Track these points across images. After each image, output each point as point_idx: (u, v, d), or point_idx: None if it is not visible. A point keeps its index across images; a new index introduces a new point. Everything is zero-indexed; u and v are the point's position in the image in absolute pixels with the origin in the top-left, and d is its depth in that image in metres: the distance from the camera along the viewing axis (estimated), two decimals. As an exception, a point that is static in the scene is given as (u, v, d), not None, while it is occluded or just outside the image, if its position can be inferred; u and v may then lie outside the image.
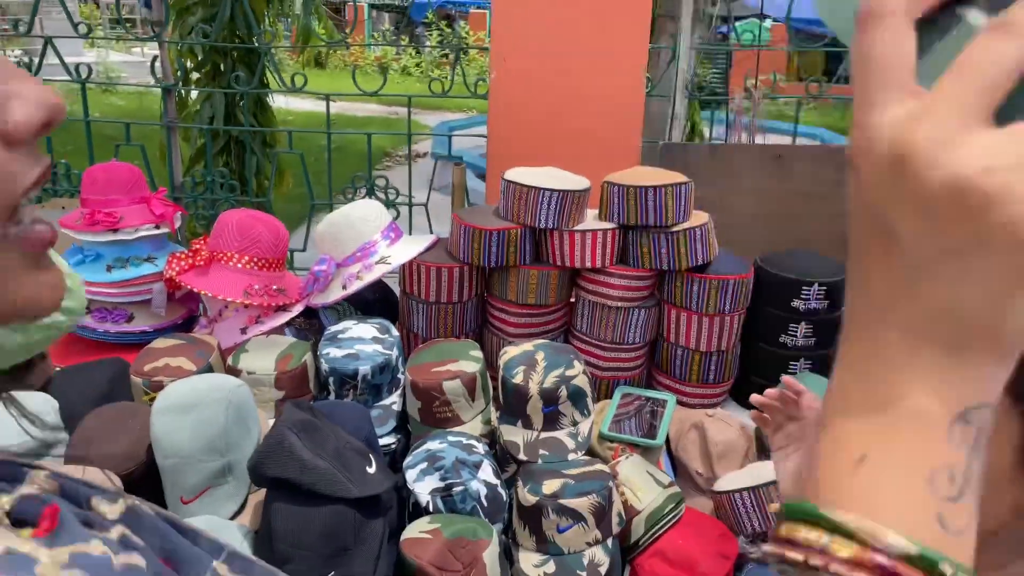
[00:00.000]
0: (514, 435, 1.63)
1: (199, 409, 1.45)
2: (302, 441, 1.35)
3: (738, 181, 2.34)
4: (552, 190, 1.85)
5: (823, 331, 1.91)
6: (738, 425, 1.81)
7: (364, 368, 1.70)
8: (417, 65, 14.61)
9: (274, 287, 1.93)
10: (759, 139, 2.70)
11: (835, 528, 0.35)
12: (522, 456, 1.60)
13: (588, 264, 1.89)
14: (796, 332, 1.90)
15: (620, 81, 2.31)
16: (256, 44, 2.76)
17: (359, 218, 1.91)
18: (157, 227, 2.01)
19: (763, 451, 1.79)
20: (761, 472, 1.61)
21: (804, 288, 1.86)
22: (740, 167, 2.34)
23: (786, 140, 2.60)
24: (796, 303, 1.87)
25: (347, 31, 3.70)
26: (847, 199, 0.39)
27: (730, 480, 1.64)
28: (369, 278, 1.85)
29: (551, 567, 1.44)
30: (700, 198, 2.36)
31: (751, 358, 1.99)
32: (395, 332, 1.84)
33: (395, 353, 1.77)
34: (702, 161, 2.34)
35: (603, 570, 1.44)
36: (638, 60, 2.30)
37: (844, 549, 0.34)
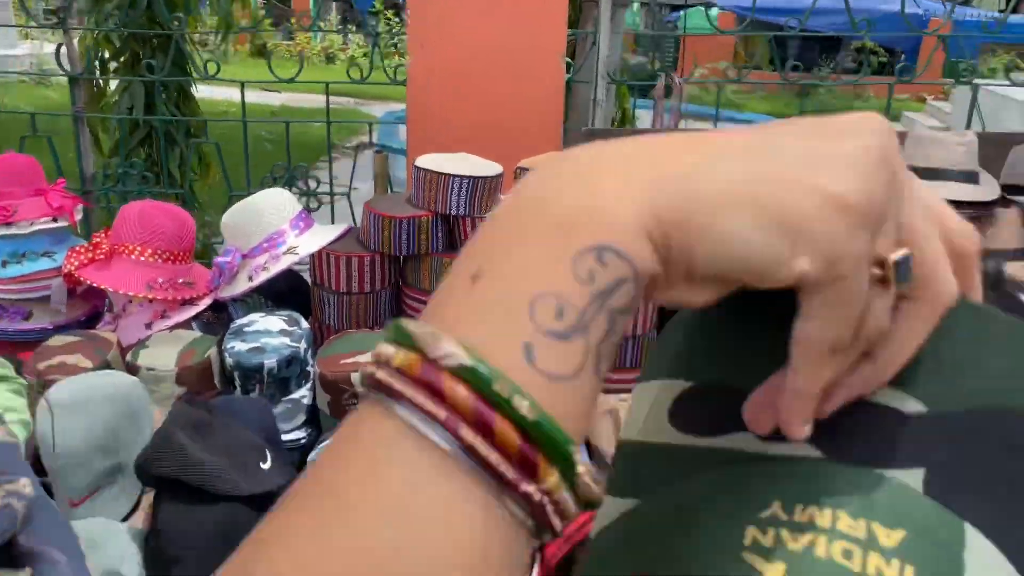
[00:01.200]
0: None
1: (89, 407, 1.40)
2: (191, 438, 1.30)
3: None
4: (463, 176, 1.82)
5: (737, 314, 1.92)
6: (653, 410, 1.82)
7: (270, 362, 1.66)
8: (365, 55, 14.44)
9: (180, 280, 1.87)
10: (683, 124, 2.71)
11: (405, 339, 0.28)
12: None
13: (502, 251, 1.87)
14: (710, 316, 1.90)
15: (539, 66, 2.29)
16: (171, 31, 2.67)
17: (266, 207, 1.86)
18: (55, 220, 1.93)
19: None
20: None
21: (717, 272, 1.86)
22: (662, 152, 2.34)
23: (729, 126, 2.60)
24: (709, 287, 1.88)
25: (292, 20, 3.61)
26: None
27: (641, 465, 1.63)
28: (276, 269, 1.80)
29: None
30: (624, 184, 2.36)
31: (668, 343, 1.99)
32: (304, 324, 1.80)
33: (303, 346, 1.73)
34: (624, 147, 2.33)
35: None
36: (556, 45, 2.29)
37: (399, 358, 0.28)
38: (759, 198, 0.29)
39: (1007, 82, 2.56)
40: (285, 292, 2.00)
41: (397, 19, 12.30)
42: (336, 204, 2.75)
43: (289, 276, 2.00)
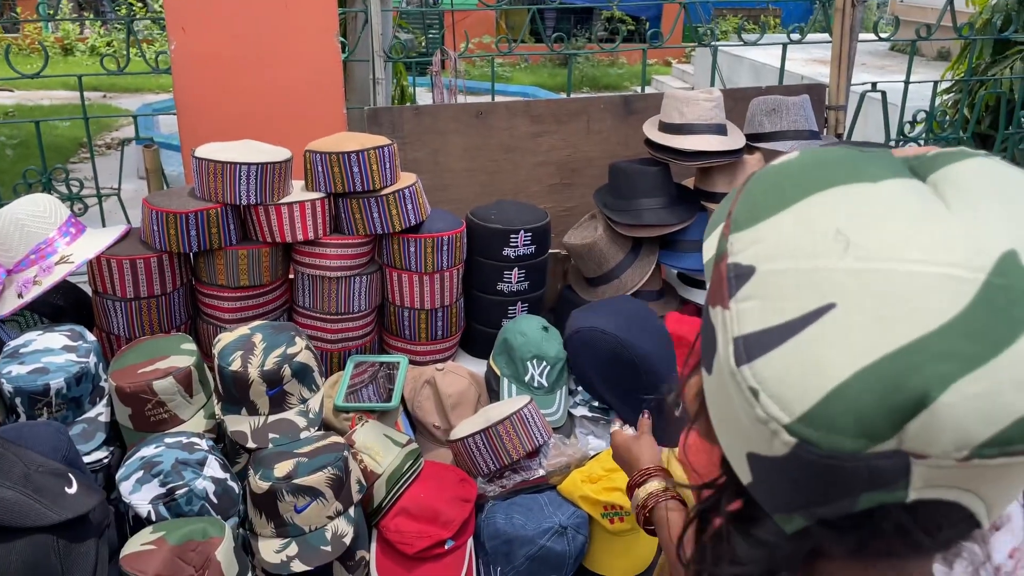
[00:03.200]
0: (240, 424, 1.56)
1: None
2: (-21, 474, 1.18)
3: (446, 140, 2.39)
4: (249, 163, 1.76)
5: (534, 274, 2.03)
6: (467, 374, 1.88)
7: (56, 382, 1.52)
8: (108, 44, 13.17)
9: (-70, 307, 1.65)
10: (462, 99, 2.78)
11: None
12: (251, 444, 1.53)
13: (300, 237, 1.83)
14: (510, 278, 2.00)
15: (313, 47, 2.25)
16: None
17: (27, 216, 1.69)
18: None
19: (493, 394, 1.87)
20: (491, 414, 1.68)
21: (512, 236, 1.96)
22: (446, 127, 2.39)
23: (500, 100, 2.68)
24: (506, 251, 1.96)
25: (17, 10, 3.21)
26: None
27: (464, 427, 1.70)
28: (49, 282, 1.65)
29: (293, 549, 1.41)
30: (414, 160, 2.38)
31: (473, 308, 2.06)
32: (90, 337, 1.67)
33: (93, 360, 1.61)
34: (409, 123, 2.35)
35: (348, 540, 1.44)
36: (329, 24, 2.25)
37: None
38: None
39: (741, 43, 2.87)
40: (62, 306, 1.83)
41: (140, 3, 11.33)
42: (104, 205, 2.54)
43: (65, 288, 1.84)
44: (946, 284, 0.41)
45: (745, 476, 0.49)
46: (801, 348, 0.43)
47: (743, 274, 0.46)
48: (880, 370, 0.41)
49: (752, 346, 0.44)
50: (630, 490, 1.17)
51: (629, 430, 1.27)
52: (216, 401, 1.64)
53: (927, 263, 0.42)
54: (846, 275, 0.43)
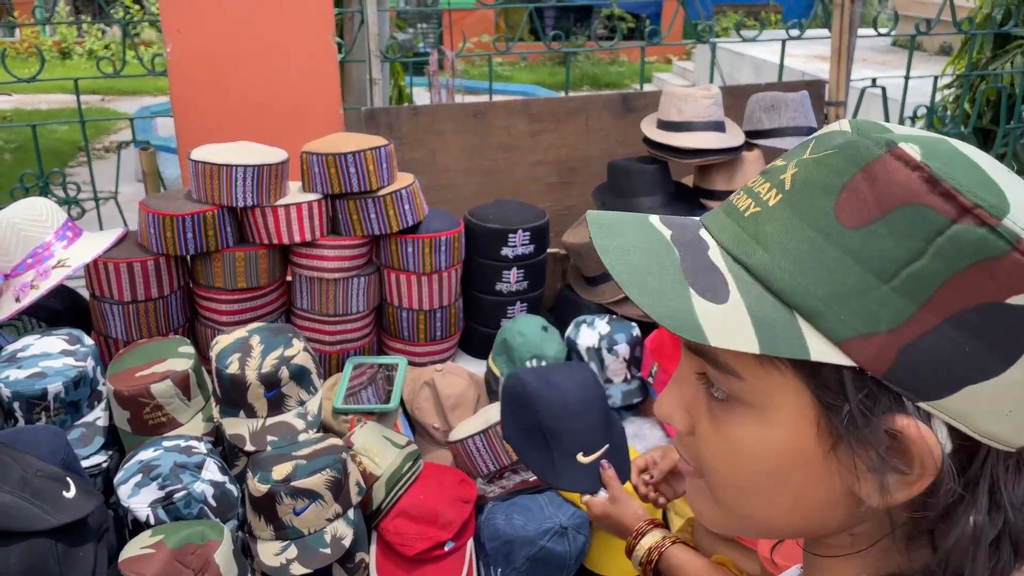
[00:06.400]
0: (238, 427, 1.56)
1: None
2: (-24, 480, 1.18)
3: (444, 140, 2.39)
4: (246, 165, 1.75)
5: (533, 274, 2.02)
6: (466, 375, 1.88)
7: (54, 386, 1.52)
8: (106, 47, 13.18)
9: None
10: (460, 98, 2.77)
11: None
12: (249, 447, 1.53)
13: (297, 239, 1.83)
14: (509, 278, 1.99)
15: (309, 47, 2.24)
16: None
17: (24, 220, 1.69)
18: None
19: (492, 395, 1.87)
20: (490, 415, 1.67)
21: (510, 235, 1.95)
22: (444, 126, 2.38)
23: (498, 99, 2.68)
24: (505, 250, 1.96)
25: (15, 14, 3.21)
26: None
27: (463, 428, 1.69)
28: (46, 286, 1.64)
29: (292, 552, 1.40)
30: (411, 160, 2.38)
31: (472, 308, 2.06)
32: (88, 341, 1.66)
33: (91, 364, 1.60)
34: (406, 123, 2.35)
35: (347, 542, 1.43)
36: (325, 24, 2.24)
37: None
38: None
39: (739, 39, 2.86)
40: (60, 310, 1.83)
41: (137, 6, 11.34)
42: (102, 209, 2.54)
43: (62, 292, 1.84)
44: None
45: None
46: None
47: None
48: None
49: None
50: (629, 553, 1.19)
51: (602, 494, 1.30)
52: (214, 404, 1.63)
53: None
54: None
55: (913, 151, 0.44)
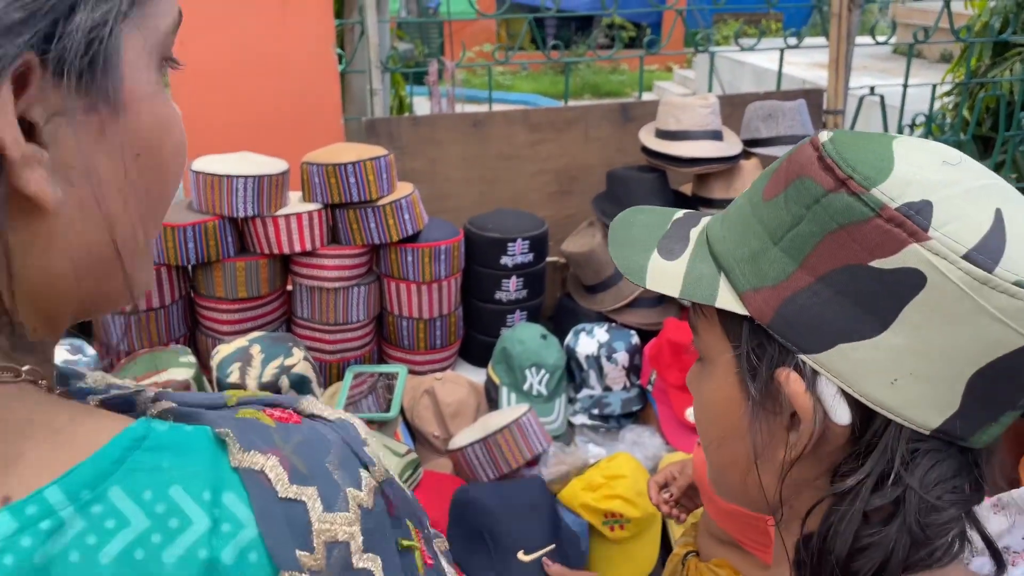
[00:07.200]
0: (238, 435, 1.56)
1: None
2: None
3: (444, 150, 2.40)
4: (246, 176, 1.77)
5: (532, 282, 2.03)
6: (466, 384, 1.88)
7: (55, 395, 1.53)
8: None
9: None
10: (460, 108, 2.78)
11: None
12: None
13: (297, 248, 1.84)
14: (509, 287, 2.00)
15: (310, 58, 2.26)
16: None
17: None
18: None
19: (492, 403, 1.87)
20: (490, 423, 1.68)
21: (510, 244, 1.96)
22: (443, 136, 2.39)
23: (498, 108, 2.69)
24: (504, 259, 1.97)
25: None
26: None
27: (463, 436, 1.70)
28: (48, 296, 1.65)
29: (292, 561, 1.41)
30: (412, 169, 2.39)
31: (471, 317, 2.07)
32: (90, 351, 1.67)
33: (92, 373, 1.61)
34: (407, 133, 2.36)
35: (346, 551, 1.43)
36: (326, 35, 2.26)
37: None
38: None
39: (738, 48, 2.87)
40: (61, 320, 1.84)
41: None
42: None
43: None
44: None
45: (947, 409, 0.48)
46: (1018, 238, 0.46)
47: (923, 208, 0.46)
48: None
49: (987, 252, 0.45)
50: None
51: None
52: (215, 413, 1.64)
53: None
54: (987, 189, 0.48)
55: (824, 136, 0.51)
